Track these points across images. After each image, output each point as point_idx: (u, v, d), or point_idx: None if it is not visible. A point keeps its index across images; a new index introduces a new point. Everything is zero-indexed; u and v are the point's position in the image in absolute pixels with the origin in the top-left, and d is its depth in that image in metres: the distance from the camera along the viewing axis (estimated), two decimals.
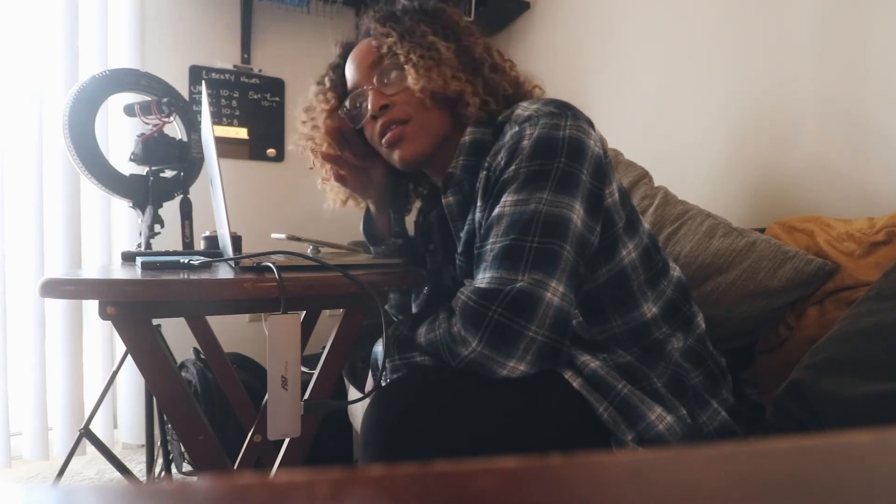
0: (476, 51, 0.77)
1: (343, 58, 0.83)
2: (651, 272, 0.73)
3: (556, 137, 0.64)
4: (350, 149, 0.85)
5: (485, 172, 0.70)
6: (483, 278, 0.62)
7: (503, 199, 0.65)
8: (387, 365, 0.66)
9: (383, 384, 0.64)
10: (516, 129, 0.67)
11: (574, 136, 0.65)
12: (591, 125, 0.69)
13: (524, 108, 0.69)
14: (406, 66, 0.73)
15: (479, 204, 0.70)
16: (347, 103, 0.81)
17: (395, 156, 0.77)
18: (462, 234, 0.75)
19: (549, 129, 0.65)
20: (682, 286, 0.77)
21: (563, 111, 0.67)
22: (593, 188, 0.65)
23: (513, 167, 0.65)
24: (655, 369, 0.69)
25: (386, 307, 0.94)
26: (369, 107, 0.76)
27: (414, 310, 0.91)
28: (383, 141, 0.77)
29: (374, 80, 0.77)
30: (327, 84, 0.84)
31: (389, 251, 0.87)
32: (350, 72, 0.80)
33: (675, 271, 0.78)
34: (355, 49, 0.81)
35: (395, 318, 0.94)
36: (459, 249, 0.76)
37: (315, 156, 0.86)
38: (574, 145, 0.64)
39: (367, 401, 0.62)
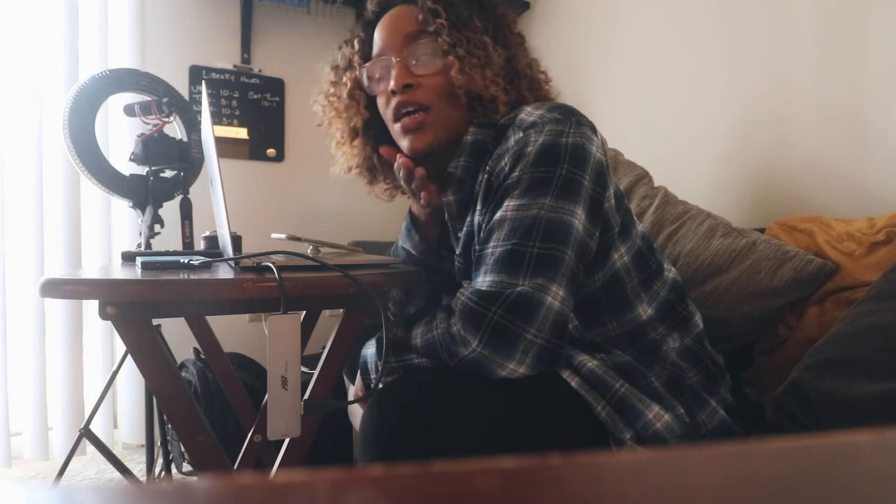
0: (520, 63, 0.76)
1: (377, 15, 0.79)
2: (645, 274, 0.73)
3: (559, 144, 0.64)
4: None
5: (485, 175, 0.69)
6: (484, 281, 0.62)
7: (505, 203, 0.64)
8: (380, 367, 0.66)
9: (379, 386, 0.64)
10: (521, 134, 0.66)
11: (577, 143, 0.65)
12: (594, 130, 0.69)
13: (528, 114, 0.68)
14: (450, 57, 0.71)
15: (478, 207, 0.70)
16: (367, 67, 0.78)
17: (407, 141, 0.75)
18: (460, 236, 0.75)
19: (554, 136, 0.65)
20: (677, 286, 0.77)
21: (568, 117, 0.67)
22: (595, 194, 0.65)
23: (516, 172, 0.65)
24: (653, 369, 0.69)
25: (393, 308, 0.93)
26: (392, 81, 0.73)
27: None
28: (399, 124, 0.74)
29: (405, 53, 0.74)
30: (356, 46, 0.80)
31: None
32: (381, 34, 0.76)
33: (671, 272, 0.78)
34: (393, 11, 0.77)
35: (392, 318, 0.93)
36: (458, 251, 0.75)
37: (329, 122, 0.84)
38: (577, 152, 0.64)
39: (367, 401, 0.62)
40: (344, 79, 0.81)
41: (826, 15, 1.09)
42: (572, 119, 0.67)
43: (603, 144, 0.70)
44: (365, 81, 0.79)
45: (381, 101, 0.78)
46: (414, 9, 0.75)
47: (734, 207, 1.26)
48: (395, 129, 0.76)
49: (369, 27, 0.80)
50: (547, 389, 0.63)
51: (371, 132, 0.83)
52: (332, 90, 0.83)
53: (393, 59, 0.74)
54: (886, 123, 0.99)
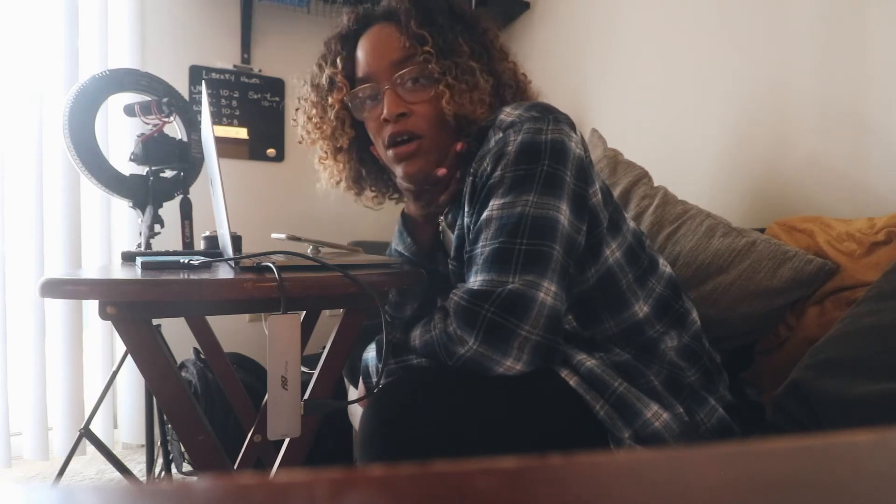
0: (504, 77, 0.76)
1: (356, 30, 0.78)
2: (639, 270, 0.73)
3: (538, 141, 0.65)
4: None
5: (470, 178, 0.70)
6: (475, 281, 0.63)
7: (490, 203, 0.65)
8: (380, 368, 0.66)
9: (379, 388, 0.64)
10: (500, 135, 0.67)
11: (556, 140, 0.65)
12: (573, 127, 0.69)
13: (507, 114, 0.69)
14: (440, 86, 0.71)
15: (466, 209, 0.71)
16: (354, 92, 0.77)
17: (401, 168, 0.75)
18: (453, 239, 0.75)
19: (533, 134, 0.65)
20: (672, 283, 0.77)
21: (545, 115, 0.67)
22: (577, 189, 0.66)
23: (498, 172, 0.66)
24: (651, 368, 0.69)
25: (389, 310, 0.93)
26: (385, 109, 0.72)
27: None
28: (392, 152, 0.75)
29: (393, 80, 0.73)
30: (339, 65, 0.77)
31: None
32: (365, 57, 0.75)
33: (666, 268, 0.78)
34: (375, 31, 0.75)
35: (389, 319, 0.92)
36: (451, 254, 0.76)
37: (311, 141, 0.83)
38: (557, 148, 0.65)
39: (366, 400, 0.62)
40: (330, 100, 0.78)
41: (826, 15, 1.09)
42: (550, 116, 0.67)
43: (583, 141, 0.71)
44: (351, 105, 0.78)
45: (370, 125, 0.77)
46: (397, 31, 0.73)
47: (734, 207, 1.25)
48: (389, 155, 0.76)
49: (348, 42, 0.78)
50: (546, 389, 0.63)
51: (356, 146, 0.83)
52: (314, 111, 0.81)
53: (383, 86, 0.73)
54: (886, 123, 0.99)
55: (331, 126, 0.80)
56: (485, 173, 0.68)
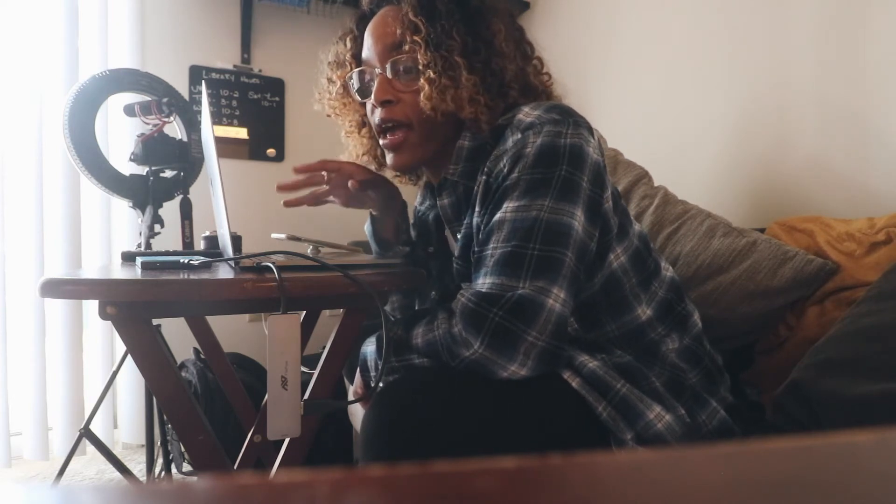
0: (507, 74, 0.72)
1: (371, 11, 0.78)
2: (643, 274, 0.73)
3: (558, 145, 0.64)
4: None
5: (484, 177, 0.69)
6: (484, 283, 0.62)
7: (505, 205, 0.64)
8: (380, 366, 0.66)
9: (380, 385, 0.64)
10: (519, 136, 0.66)
11: (575, 144, 0.64)
12: (591, 132, 0.69)
13: (526, 114, 0.68)
14: (420, 79, 0.70)
15: (477, 209, 0.70)
16: (355, 76, 0.78)
17: (390, 159, 0.76)
18: (459, 238, 0.75)
19: (552, 137, 0.64)
20: (675, 286, 0.76)
21: (566, 118, 0.66)
22: (593, 195, 0.65)
23: (515, 174, 0.65)
24: (653, 369, 0.69)
25: (387, 308, 0.93)
26: (373, 95, 0.73)
27: None
28: (382, 141, 0.76)
29: (388, 66, 0.73)
30: (348, 44, 0.79)
31: (398, 257, 0.85)
32: (367, 40, 0.76)
33: (668, 271, 0.78)
34: (381, 14, 0.75)
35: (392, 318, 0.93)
36: (457, 253, 0.76)
37: (335, 114, 0.86)
38: (575, 153, 0.64)
39: (368, 401, 0.62)
40: (334, 77, 0.82)
41: (826, 15, 1.09)
42: (570, 120, 0.66)
43: (599, 145, 0.70)
44: (353, 86, 0.79)
45: (368, 108, 0.78)
46: (398, 16, 0.73)
47: (734, 207, 1.26)
48: (381, 142, 0.77)
49: (363, 22, 0.79)
50: (548, 390, 0.63)
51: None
52: (329, 86, 0.84)
53: (376, 70, 0.74)
54: (886, 123, 0.99)
55: (340, 102, 0.83)
56: (500, 174, 0.66)
